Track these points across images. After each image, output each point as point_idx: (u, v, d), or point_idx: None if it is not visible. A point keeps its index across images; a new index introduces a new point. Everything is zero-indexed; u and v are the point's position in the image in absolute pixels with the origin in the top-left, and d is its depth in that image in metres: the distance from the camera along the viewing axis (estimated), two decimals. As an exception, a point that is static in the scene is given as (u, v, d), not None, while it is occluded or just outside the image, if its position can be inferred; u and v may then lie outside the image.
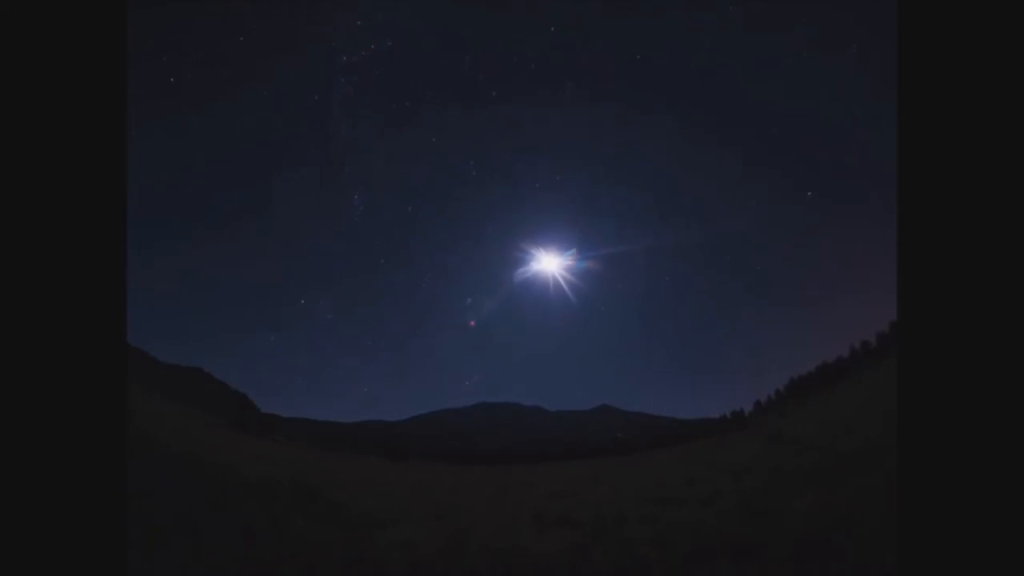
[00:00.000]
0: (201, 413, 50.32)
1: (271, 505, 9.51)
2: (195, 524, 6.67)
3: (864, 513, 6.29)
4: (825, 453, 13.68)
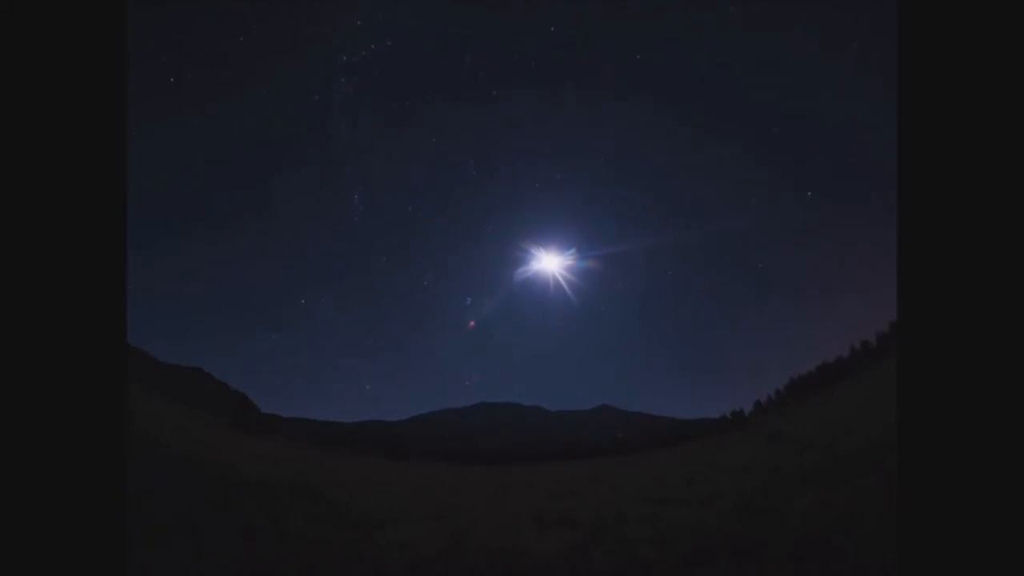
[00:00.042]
0: (201, 413, 50.32)
1: (271, 505, 9.51)
2: (195, 524, 6.67)
3: (864, 513, 6.29)
4: (825, 453, 13.70)
